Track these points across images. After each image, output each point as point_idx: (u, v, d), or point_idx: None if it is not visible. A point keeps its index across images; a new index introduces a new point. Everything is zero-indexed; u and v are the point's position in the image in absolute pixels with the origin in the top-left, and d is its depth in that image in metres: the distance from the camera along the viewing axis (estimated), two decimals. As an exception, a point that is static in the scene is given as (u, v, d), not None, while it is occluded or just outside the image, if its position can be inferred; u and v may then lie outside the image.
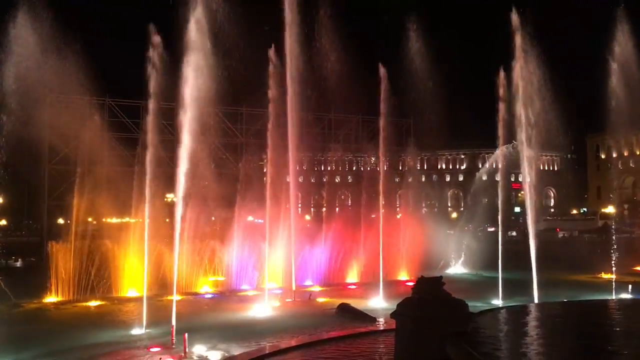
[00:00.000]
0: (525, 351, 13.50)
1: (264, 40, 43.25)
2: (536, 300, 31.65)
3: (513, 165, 44.37)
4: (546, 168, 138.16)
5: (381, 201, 46.00)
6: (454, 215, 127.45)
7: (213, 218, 47.16)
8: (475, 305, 24.71)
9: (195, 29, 31.77)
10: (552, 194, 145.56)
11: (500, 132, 39.79)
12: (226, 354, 22.51)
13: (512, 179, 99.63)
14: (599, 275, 45.65)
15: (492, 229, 45.39)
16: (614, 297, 35.49)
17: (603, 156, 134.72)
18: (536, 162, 43.88)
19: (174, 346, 24.36)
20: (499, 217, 39.59)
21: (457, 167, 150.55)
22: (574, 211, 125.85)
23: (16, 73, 32.98)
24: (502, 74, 39.42)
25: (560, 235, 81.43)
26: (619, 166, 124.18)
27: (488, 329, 15.81)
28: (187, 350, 23.16)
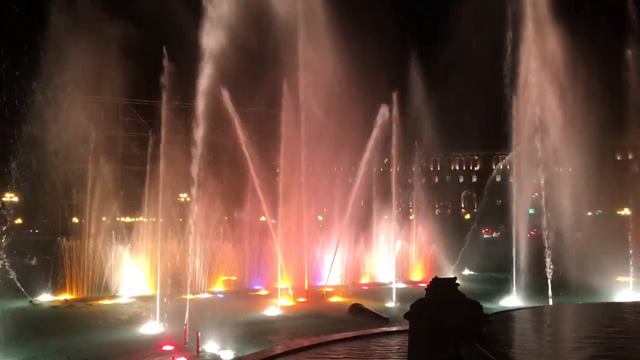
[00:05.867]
0: (540, 354, 13.36)
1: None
2: (551, 302, 31.39)
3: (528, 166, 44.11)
4: (561, 169, 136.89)
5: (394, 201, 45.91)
6: (467, 216, 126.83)
7: (226, 218, 47.24)
8: (490, 307, 24.57)
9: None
10: (566, 196, 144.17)
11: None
12: (238, 354, 22.51)
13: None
14: (615, 278, 45.08)
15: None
16: (630, 300, 35.08)
17: (619, 158, 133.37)
18: (551, 163, 43.59)
19: (187, 345, 24.42)
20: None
21: (471, 168, 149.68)
22: (589, 213, 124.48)
23: (32, 72, 33.30)
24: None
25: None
26: (635, 168, 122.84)
27: (502, 330, 15.67)
28: (199, 349, 23.20)
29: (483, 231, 76.18)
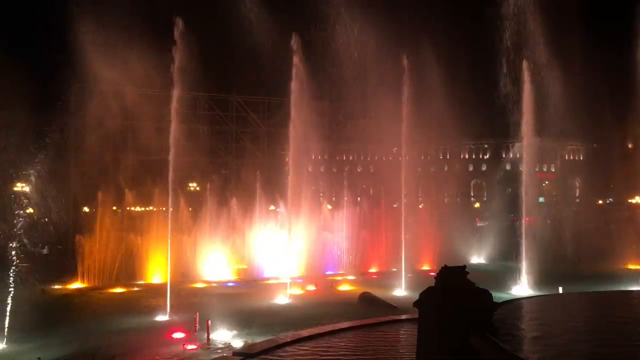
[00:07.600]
0: (549, 342, 13.36)
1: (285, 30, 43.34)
2: (560, 291, 31.30)
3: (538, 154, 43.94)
4: (571, 158, 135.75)
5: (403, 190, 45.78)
6: (477, 205, 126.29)
7: (237, 207, 47.33)
8: (499, 295, 24.55)
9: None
10: (577, 184, 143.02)
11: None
12: (248, 341, 22.66)
13: (537, 169, 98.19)
14: (625, 266, 44.94)
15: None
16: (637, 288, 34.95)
17: (630, 145, 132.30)
18: (561, 152, 43.44)
19: (197, 333, 24.60)
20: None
21: (481, 156, 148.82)
22: (600, 201, 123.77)
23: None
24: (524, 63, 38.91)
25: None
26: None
27: (512, 318, 15.68)
28: (210, 337, 23.38)
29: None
